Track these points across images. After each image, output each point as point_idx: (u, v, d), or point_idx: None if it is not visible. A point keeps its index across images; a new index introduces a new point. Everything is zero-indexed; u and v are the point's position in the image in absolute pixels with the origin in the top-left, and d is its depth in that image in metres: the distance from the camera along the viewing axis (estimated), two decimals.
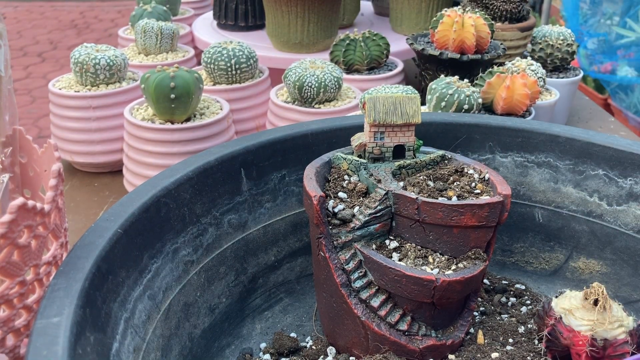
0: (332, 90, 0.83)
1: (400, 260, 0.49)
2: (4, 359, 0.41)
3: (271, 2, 1.05)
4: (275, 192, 0.60)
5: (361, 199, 0.51)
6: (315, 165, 0.53)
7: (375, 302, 0.49)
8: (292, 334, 0.55)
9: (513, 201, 0.64)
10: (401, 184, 0.51)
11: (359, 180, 0.52)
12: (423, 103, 0.81)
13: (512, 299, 0.59)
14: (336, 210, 0.49)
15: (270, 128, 0.82)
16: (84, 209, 0.81)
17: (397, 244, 0.50)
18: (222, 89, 0.88)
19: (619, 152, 0.60)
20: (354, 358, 0.51)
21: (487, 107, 0.80)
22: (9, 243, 0.36)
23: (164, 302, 0.48)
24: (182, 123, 0.77)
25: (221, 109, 0.82)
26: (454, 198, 0.49)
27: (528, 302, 0.59)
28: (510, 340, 0.53)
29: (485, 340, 0.53)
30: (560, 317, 0.47)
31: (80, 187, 0.87)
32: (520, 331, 0.54)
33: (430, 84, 0.77)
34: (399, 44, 1.11)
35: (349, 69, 0.95)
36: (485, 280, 0.62)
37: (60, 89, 0.85)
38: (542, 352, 0.49)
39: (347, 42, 0.94)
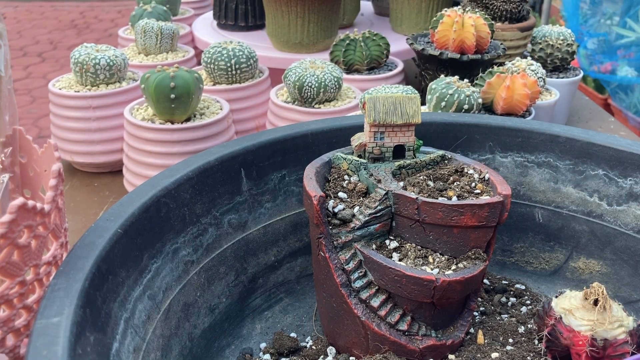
0: (332, 90, 0.83)
1: (400, 260, 0.49)
2: (4, 359, 0.41)
3: (271, 2, 1.05)
4: (275, 192, 0.60)
5: (361, 199, 0.51)
6: (315, 165, 0.53)
7: (375, 302, 0.49)
8: (292, 334, 0.55)
9: (513, 201, 0.64)
10: (401, 184, 0.51)
11: (359, 180, 0.52)
12: (423, 103, 0.81)
13: (512, 299, 0.59)
14: (336, 210, 0.49)
15: (270, 128, 0.82)
16: (84, 209, 0.81)
17: (397, 244, 0.50)
18: (222, 89, 0.88)
19: (619, 152, 0.60)
20: (354, 358, 0.51)
21: (487, 107, 0.80)
22: (9, 243, 0.36)
23: (164, 302, 0.48)
24: (182, 123, 0.77)
25: (221, 109, 0.82)
26: (454, 198, 0.49)
27: (528, 302, 0.59)
28: (510, 340, 0.53)
29: (485, 340, 0.53)
30: (560, 317, 0.47)
31: (80, 187, 0.87)
32: (520, 331, 0.54)
33: (430, 84, 0.77)
34: (399, 44, 1.11)
35: (349, 69, 0.95)
36: (485, 280, 0.62)
37: (60, 89, 0.85)
38: (542, 352, 0.49)
39: (347, 42, 0.94)
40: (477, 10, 0.92)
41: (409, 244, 0.50)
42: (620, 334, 0.45)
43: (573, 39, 1.01)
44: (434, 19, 0.88)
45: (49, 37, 3.48)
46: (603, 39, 1.98)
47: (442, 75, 0.80)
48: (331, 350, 0.53)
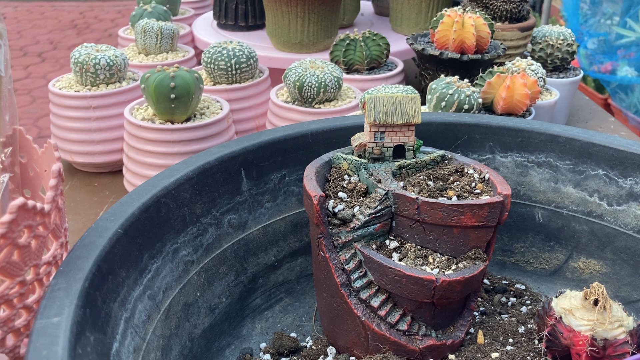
0: (332, 90, 0.83)
1: (400, 260, 0.49)
2: (4, 359, 0.41)
3: (271, 2, 1.05)
4: (275, 192, 0.60)
5: (361, 199, 0.51)
6: (315, 165, 0.53)
7: (375, 302, 0.49)
8: (292, 334, 0.55)
9: (513, 201, 0.64)
10: (401, 184, 0.51)
11: (359, 180, 0.52)
12: (423, 103, 0.81)
13: (512, 299, 0.59)
14: (336, 210, 0.49)
15: (270, 128, 0.82)
16: (84, 209, 0.81)
17: (397, 244, 0.50)
18: (222, 89, 0.88)
19: (619, 152, 0.60)
20: (354, 358, 0.51)
21: (487, 107, 0.80)
22: (9, 243, 0.36)
23: (164, 302, 0.48)
24: (182, 123, 0.77)
25: (221, 109, 0.82)
26: (454, 198, 0.49)
27: (528, 302, 0.59)
28: (510, 340, 0.53)
29: (485, 340, 0.53)
30: (560, 317, 0.47)
31: (80, 187, 0.87)
32: (520, 331, 0.54)
33: (430, 84, 0.77)
34: (399, 44, 1.11)
35: (349, 69, 0.95)
36: (485, 280, 0.62)
37: (60, 89, 0.85)
38: (542, 352, 0.49)
39: (347, 42, 0.94)
40: (477, 10, 0.92)
41: (409, 244, 0.50)
42: (620, 334, 0.45)
43: (573, 39, 1.01)
44: (434, 19, 0.88)
45: (49, 37, 3.48)
46: (603, 39, 1.98)
47: (442, 75, 0.80)
48: (331, 350, 0.53)
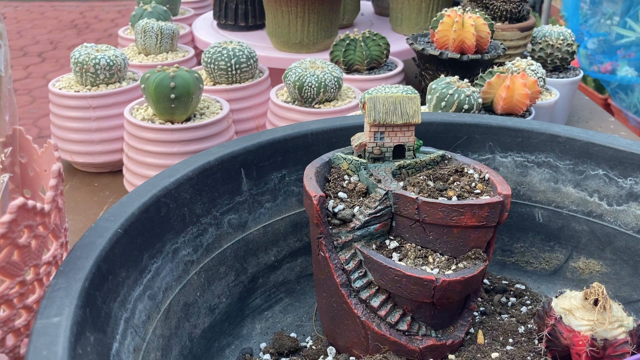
0: (332, 90, 0.83)
1: (400, 260, 0.49)
2: (4, 359, 0.41)
3: (271, 2, 1.05)
4: (275, 192, 0.60)
5: (361, 199, 0.51)
6: (315, 165, 0.53)
7: (375, 302, 0.49)
8: (292, 334, 0.55)
9: (513, 201, 0.64)
10: (401, 184, 0.51)
11: (359, 180, 0.52)
12: (423, 103, 0.81)
13: (512, 299, 0.59)
14: (336, 210, 0.49)
15: (270, 128, 0.82)
16: (84, 209, 0.81)
17: (397, 244, 0.50)
18: (222, 89, 0.88)
19: (619, 152, 0.60)
20: (354, 358, 0.51)
21: (487, 107, 0.80)
22: (9, 243, 0.36)
23: (164, 302, 0.48)
24: (182, 123, 0.77)
25: (221, 109, 0.82)
26: (454, 198, 0.49)
27: (528, 302, 0.59)
28: (510, 340, 0.53)
29: (485, 340, 0.53)
30: (560, 317, 0.47)
31: (80, 187, 0.87)
32: (520, 331, 0.54)
33: (430, 84, 0.77)
34: (399, 44, 1.11)
35: (349, 69, 0.95)
36: (485, 280, 0.62)
37: (60, 89, 0.85)
38: (542, 352, 0.49)
39: (347, 42, 0.94)
40: (477, 10, 0.92)
41: (409, 244, 0.50)
42: (620, 334, 0.45)
43: (573, 39, 1.01)
44: (434, 19, 0.88)
45: (49, 37, 3.48)
46: (603, 39, 1.98)
47: (442, 75, 0.80)
48: (331, 350, 0.53)
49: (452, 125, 0.65)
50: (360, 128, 0.60)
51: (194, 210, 0.53)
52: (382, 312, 0.49)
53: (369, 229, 0.49)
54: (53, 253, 0.41)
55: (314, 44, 1.07)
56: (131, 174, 0.79)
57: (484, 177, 0.52)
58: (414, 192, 0.50)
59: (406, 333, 0.49)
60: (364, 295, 0.49)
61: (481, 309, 0.57)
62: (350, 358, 0.52)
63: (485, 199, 0.49)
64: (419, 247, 0.50)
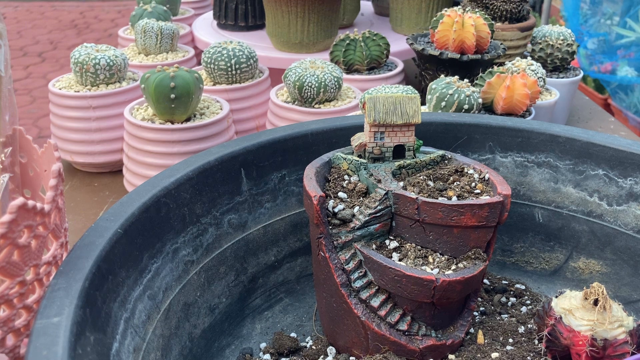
0: (332, 90, 0.83)
1: (400, 260, 0.49)
2: (4, 359, 0.41)
3: (271, 2, 1.05)
4: (275, 192, 0.60)
5: (361, 199, 0.51)
6: (315, 165, 0.53)
7: (375, 302, 0.49)
8: (292, 334, 0.55)
9: (513, 201, 0.64)
10: (401, 184, 0.51)
11: (359, 180, 0.52)
12: (423, 103, 0.81)
13: (512, 299, 0.59)
14: (336, 210, 0.49)
15: (270, 128, 0.82)
16: (84, 209, 0.81)
17: (397, 244, 0.50)
18: (222, 89, 0.88)
19: (619, 152, 0.60)
20: (354, 358, 0.52)
21: (487, 107, 0.80)
22: (9, 243, 0.36)
23: (164, 302, 0.48)
24: (182, 123, 0.77)
25: (221, 109, 0.82)
26: (454, 198, 0.49)
27: (528, 302, 0.59)
28: (510, 340, 0.53)
29: (485, 340, 0.53)
30: (560, 317, 0.47)
31: (80, 187, 0.87)
32: (520, 331, 0.54)
33: (430, 84, 0.77)
34: (399, 44, 1.11)
35: (349, 69, 0.95)
36: (485, 280, 0.62)
37: (60, 89, 0.85)
38: (542, 352, 0.49)
39: (347, 42, 0.94)
40: (477, 10, 0.92)
41: (409, 244, 0.50)
42: (620, 334, 0.45)
43: (573, 39, 1.01)
44: (434, 19, 0.88)
45: (49, 37, 3.48)
46: (603, 39, 1.98)
47: (442, 75, 0.80)
48: (331, 350, 0.53)
49: (452, 125, 0.65)
50: (360, 128, 0.60)
51: (194, 210, 0.53)
52: (382, 312, 0.49)
53: (369, 229, 0.49)
54: (53, 253, 0.41)
55: (314, 44, 1.07)
56: (131, 174, 0.79)
57: (484, 177, 0.52)
58: (414, 192, 0.50)
59: (406, 333, 0.49)
60: (364, 295, 0.49)
61: (481, 309, 0.57)
62: (350, 358, 0.52)
63: (485, 199, 0.49)
64: (419, 247, 0.50)
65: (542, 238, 0.64)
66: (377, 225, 0.50)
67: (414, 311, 0.49)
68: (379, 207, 0.49)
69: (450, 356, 0.50)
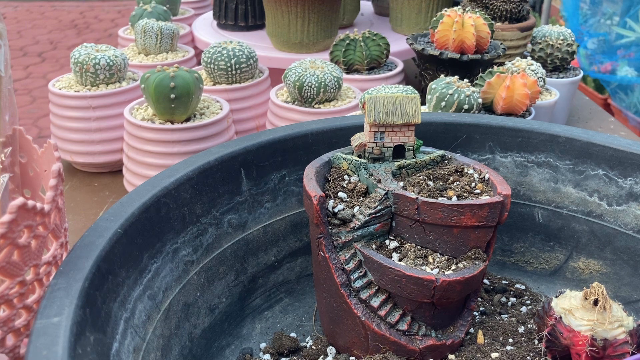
0: (332, 90, 0.83)
1: (400, 260, 0.49)
2: (4, 359, 0.41)
3: (271, 2, 1.05)
4: (275, 192, 0.60)
5: (361, 199, 0.51)
6: (315, 165, 0.53)
7: (375, 302, 0.49)
8: (292, 334, 0.55)
9: (513, 201, 0.64)
10: (401, 184, 0.51)
11: (359, 180, 0.52)
12: (423, 103, 0.81)
13: (512, 299, 0.59)
14: (336, 210, 0.49)
15: (270, 128, 0.82)
16: (84, 209, 0.81)
17: (397, 244, 0.50)
18: (222, 89, 0.88)
19: (619, 152, 0.60)
20: (354, 358, 0.52)
21: (487, 107, 0.80)
22: (9, 243, 0.36)
23: (164, 302, 0.48)
24: (182, 123, 0.77)
25: (221, 109, 0.82)
26: (454, 198, 0.49)
27: (528, 302, 0.59)
28: (510, 340, 0.53)
29: (485, 340, 0.53)
30: (560, 317, 0.47)
31: (80, 187, 0.87)
32: (520, 331, 0.54)
33: (430, 84, 0.77)
34: (399, 44, 1.11)
35: (349, 69, 0.95)
36: (485, 280, 0.62)
37: (60, 89, 0.85)
38: (542, 352, 0.49)
39: (347, 42, 0.94)
40: (477, 10, 0.92)
41: (409, 244, 0.50)
42: (620, 334, 0.45)
43: (573, 39, 1.01)
44: (434, 19, 0.88)
45: (49, 37, 3.48)
46: (603, 39, 1.98)
47: (442, 75, 0.80)
48: (331, 350, 0.53)
49: (452, 125, 0.65)
50: (360, 128, 0.60)
51: (194, 210, 0.53)
52: (382, 312, 0.49)
53: (369, 229, 0.49)
54: (53, 253, 0.41)
55: (314, 44, 1.07)
56: (131, 174, 0.79)
57: (484, 177, 0.52)
58: (414, 192, 0.50)
59: (406, 333, 0.49)
60: (364, 295, 0.49)
61: (481, 309, 0.57)
62: (350, 358, 0.52)
63: (485, 199, 0.49)
64: (419, 247, 0.50)
65: (542, 238, 0.64)
66: (377, 225, 0.50)
67: (414, 311, 0.49)
68: (379, 207, 0.49)
69: (450, 356, 0.50)
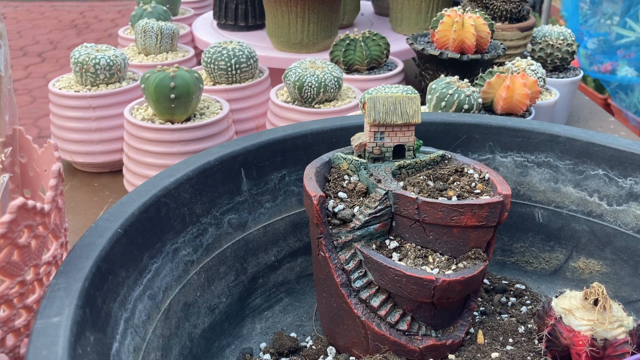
0: (332, 90, 0.83)
1: (400, 260, 0.49)
2: (4, 359, 0.41)
3: (271, 2, 1.05)
4: (275, 192, 0.60)
5: (361, 199, 0.51)
6: (315, 165, 0.53)
7: (375, 302, 0.49)
8: (292, 334, 0.55)
9: (513, 201, 0.64)
10: (401, 184, 0.51)
11: (359, 180, 0.52)
12: (423, 103, 0.81)
13: (512, 299, 0.59)
14: (336, 210, 0.49)
15: (270, 128, 0.82)
16: (84, 209, 0.81)
17: (397, 244, 0.50)
18: (222, 89, 0.88)
19: (619, 152, 0.60)
20: (354, 358, 0.51)
21: (487, 107, 0.80)
22: (9, 243, 0.36)
23: (164, 302, 0.48)
24: (182, 123, 0.77)
25: (221, 109, 0.82)
26: (454, 198, 0.49)
27: (528, 302, 0.59)
28: (510, 340, 0.53)
29: (485, 340, 0.53)
30: (560, 317, 0.47)
31: (80, 187, 0.87)
32: (520, 331, 0.54)
33: (430, 84, 0.77)
34: (399, 44, 1.11)
35: (349, 69, 0.95)
36: (485, 280, 0.62)
37: (60, 89, 0.85)
38: (542, 352, 0.49)
39: (347, 42, 0.94)
40: (477, 10, 0.92)
41: (409, 244, 0.50)
42: (620, 334, 0.45)
43: (573, 39, 1.01)
44: (434, 19, 0.88)
45: (49, 37, 3.48)
46: (603, 38, 1.98)
47: (442, 75, 0.80)
48: (331, 350, 0.53)
49: (452, 125, 0.65)
50: (360, 128, 0.60)
51: (194, 210, 0.53)
52: (382, 312, 0.49)
53: (369, 229, 0.49)
54: (53, 253, 0.41)
55: (314, 44, 1.07)
56: (131, 174, 0.79)
57: (484, 177, 0.52)
58: (414, 192, 0.50)
59: (406, 333, 0.49)
60: (364, 295, 0.49)
61: (481, 309, 0.57)
62: (350, 358, 0.52)
63: (485, 199, 0.49)
64: (419, 247, 0.50)
65: (542, 238, 0.64)
66: (377, 225, 0.50)
67: (414, 311, 0.49)
68: (379, 207, 0.49)
69: (450, 356, 0.50)
